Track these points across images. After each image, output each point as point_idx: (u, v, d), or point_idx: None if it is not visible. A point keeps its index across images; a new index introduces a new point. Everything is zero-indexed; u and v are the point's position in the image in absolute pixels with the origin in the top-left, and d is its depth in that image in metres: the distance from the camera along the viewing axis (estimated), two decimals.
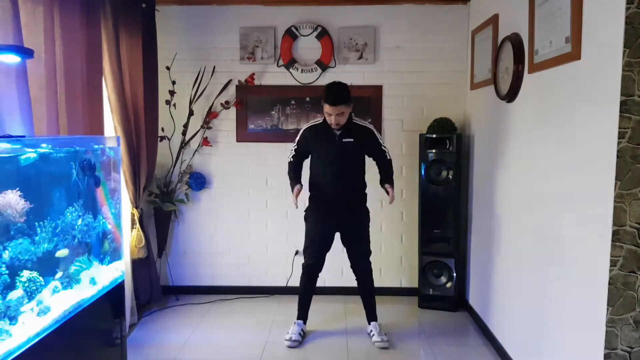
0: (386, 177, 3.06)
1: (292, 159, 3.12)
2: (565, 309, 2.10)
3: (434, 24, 3.70)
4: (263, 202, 3.86)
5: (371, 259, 3.12)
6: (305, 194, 3.11)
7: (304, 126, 3.11)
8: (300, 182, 3.07)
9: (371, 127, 3.05)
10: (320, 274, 3.13)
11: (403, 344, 3.05)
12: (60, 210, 1.97)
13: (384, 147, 3.07)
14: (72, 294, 2.02)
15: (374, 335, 3.05)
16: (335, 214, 3.00)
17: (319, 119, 3.06)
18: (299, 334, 3.06)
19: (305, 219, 3.12)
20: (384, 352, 2.95)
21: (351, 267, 3.13)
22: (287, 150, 3.77)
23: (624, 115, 1.71)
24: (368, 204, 3.13)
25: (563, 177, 2.13)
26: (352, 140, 2.96)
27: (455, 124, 3.55)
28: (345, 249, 3.12)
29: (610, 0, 1.77)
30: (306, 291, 3.15)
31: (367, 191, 3.12)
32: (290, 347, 2.99)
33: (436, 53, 3.72)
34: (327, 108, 2.86)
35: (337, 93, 2.85)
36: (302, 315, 3.15)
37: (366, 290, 3.15)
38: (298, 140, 3.09)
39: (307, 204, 3.14)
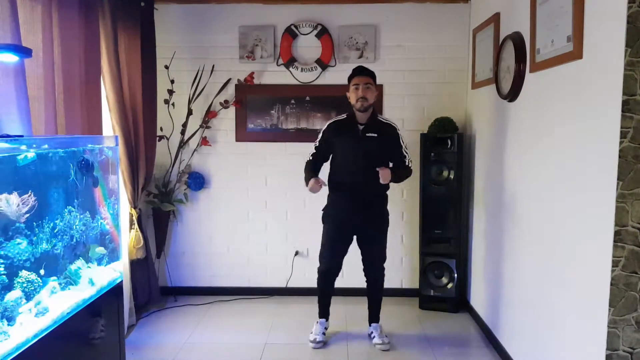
0: (394, 170, 2.92)
1: (310, 157, 3.00)
2: (567, 309, 2.09)
3: (434, 22, 3.69)
4: (262, 202, 3.85)
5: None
6: (323, 193, 3.03)
7: (328, 122, 3.01)
8: (316, 176, 2.92)
9: (396, 125, 2.97)
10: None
11: (404, 346, 3.04)
12: (58, 210, 1.96)
13: (406, 151, 2.95)
14: (71, 294, 2.00)
15: (374, 337, 3.03)
16: (354, 216, 2.93)
17: (343, 115, 2.98)
18: (322, 333, 3.02)
19: (323, 220, 3.03)
20: (384, 353, 2.94)
21: (363, 270, 3.07)
22: (286, 149, 3.79)
23: (625, 115, 1.69)
24: None
25: (564, 177, 2.12)
26: (375, 135, 2.90)
27: (457, 123, 3.54)
28: (360, 251, 3.05)
29: None
30: (324, 293, 3.11)
31: (387, 193, 3.03)
32: (315, 348, 2.96)
33: (437, 52, 3.70)
34: (354, 80, 2.88)
35: (364, 67, 2.94)
36: (324, 313, 3.10)
37: (375, 295, 3.11)
38: (322, 134, 2.97)
39: (325, 202, 3.07)
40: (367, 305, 3.14)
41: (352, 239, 3.03)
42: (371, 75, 2.90)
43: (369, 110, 2.89)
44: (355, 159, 2.90)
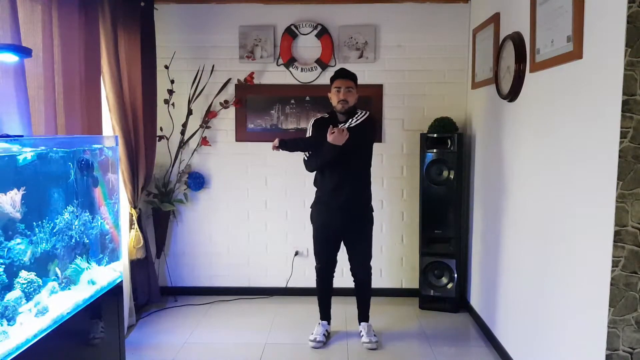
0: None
1: (308, 154, 2.95)
2: (567, 309, 2.09)
3: (434, 22, 3.69)
4: (262, 203, 3.85)
5: (372, 261, 3.10)
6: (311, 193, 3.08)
7: (310, 120, 3.07)
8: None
9: (368, 113, 2.93)
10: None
11: (404, 346, 3.04)
12: (58, 210, 1.96)
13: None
14: (70, 294, 2.01)
15: (363, 335, 3.04)
16: (339, 214, 2.94)
17: (325, 114, 3.02)
18: (324, 334, 3.04)
19: (311, 219, 3.07)
20: (384, 353, 2.94)
21: (350, 269, 3.10)
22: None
23: (625, 115, 1.69)
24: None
25: (564, 177, 2.12)
26: (355, 131, 2.86)
27: (457, 123, 3.53)
28: (346, 250, 3.08)
29: None
30: (322, 292, 3.13)
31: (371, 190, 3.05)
32: (314, 347, 2.97)
33: (437, 52, 3.70)
34: (336, 82, 2.89)
35: (347, 70, 2.96)
36: (325, 315, 3.14)
37: (363, 293, 3.13)
38: (311, 127, 3.00)
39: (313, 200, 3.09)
40: (357, 305, 3.16)
41: (339, 236, 3.03)
42: (353, 78, 2.92)
43: (349, 112, 2.91)
44: (338, 158, 2.86)
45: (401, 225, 3.83)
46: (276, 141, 2.89)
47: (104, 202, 2.30)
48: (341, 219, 2.95)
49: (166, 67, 3.66)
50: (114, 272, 2.33)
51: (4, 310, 1.65)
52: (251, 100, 3.78)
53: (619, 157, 1.71)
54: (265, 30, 3.71)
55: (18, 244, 1.71)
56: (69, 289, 2.02)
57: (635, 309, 1.76)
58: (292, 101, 3.78)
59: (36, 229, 1.81)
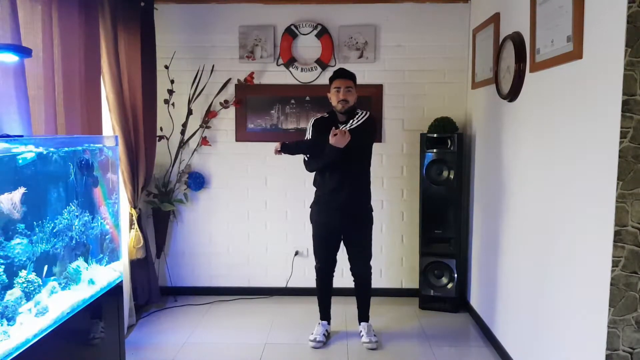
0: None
1: (307, 156, 2.97)
2: (567, 309, 2.09)
3: (434, 22, 3.69)
4: (262, 202, 3.85)
5: (371, 261, 3.10)
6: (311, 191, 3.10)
7: (310, 120, 3.07)
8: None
9: (369, 114, 2.93)
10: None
11: (403, 346, 3.04)
12: (58, 210, 1.96)
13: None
14: (70, 294, 2.01)
15: (363, 335, 3.04)
16: (338, 214, 2.94)
17: (325, 114, 3.03)
18: (323, 334, 3.05)
19: (310, 219, 3.08)
20: (384, 353, 2.94)
21: (350, 269, 3.10)
22: None
23: (625, 115, 1.69)
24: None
25: (564, 177, 2.12)
26: (358, 133, 2.85)
27: (456, 123, 3.54)
28: (346, 250, 3.08)
29: None
30: (322, 291, 3.14)
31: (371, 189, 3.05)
32: (314, 347, 2.97)
33: (437, 52, 3.70)
34: (336, 82, 2.89)
35: (346, 70, 2.95)
36: (324, 315, 3.14)
37: (363, 293, 3.13)
38: (311, 128, 3.01)
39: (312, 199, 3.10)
40: (357, 305, 3.15)
41: (339, 236, 3.03)
42: (352, 78, 2.92)
43: (349, 112, 2.91)
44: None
45: (401, 225, 3.83)
46: (278, 145, 2.89)
47: (104, 202, 2.30)
48: (341, 219, 2.95)
49: (166, 67, 3.66)
50: (114, 272, 2.33)
51: (4, 310, 1.65)
52: (251, 100, 3.78)
53: (619, 157, 1.71)
54: (265, 30, 3.71)
55: (18, 244, 1.71)
56: (69, 289, 2.02)
57: (635, 309, 1.76)
58: (292, 101, 3.78)
59: (36, 229, 1.81)
